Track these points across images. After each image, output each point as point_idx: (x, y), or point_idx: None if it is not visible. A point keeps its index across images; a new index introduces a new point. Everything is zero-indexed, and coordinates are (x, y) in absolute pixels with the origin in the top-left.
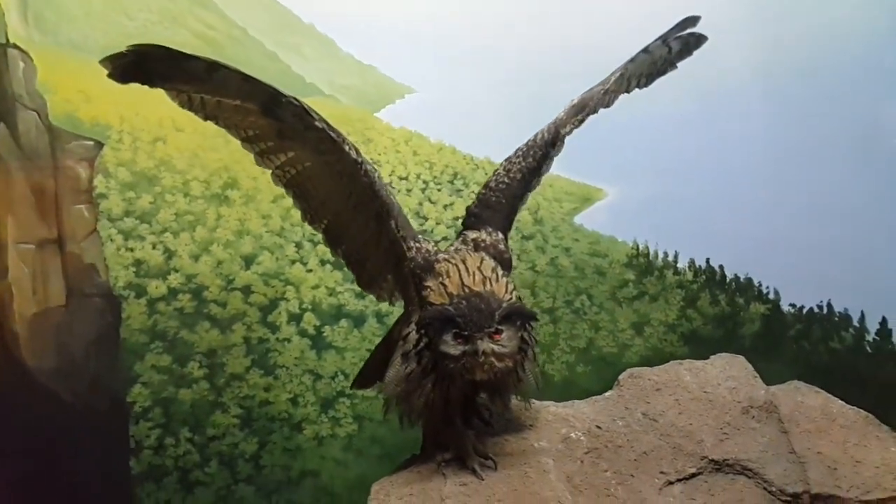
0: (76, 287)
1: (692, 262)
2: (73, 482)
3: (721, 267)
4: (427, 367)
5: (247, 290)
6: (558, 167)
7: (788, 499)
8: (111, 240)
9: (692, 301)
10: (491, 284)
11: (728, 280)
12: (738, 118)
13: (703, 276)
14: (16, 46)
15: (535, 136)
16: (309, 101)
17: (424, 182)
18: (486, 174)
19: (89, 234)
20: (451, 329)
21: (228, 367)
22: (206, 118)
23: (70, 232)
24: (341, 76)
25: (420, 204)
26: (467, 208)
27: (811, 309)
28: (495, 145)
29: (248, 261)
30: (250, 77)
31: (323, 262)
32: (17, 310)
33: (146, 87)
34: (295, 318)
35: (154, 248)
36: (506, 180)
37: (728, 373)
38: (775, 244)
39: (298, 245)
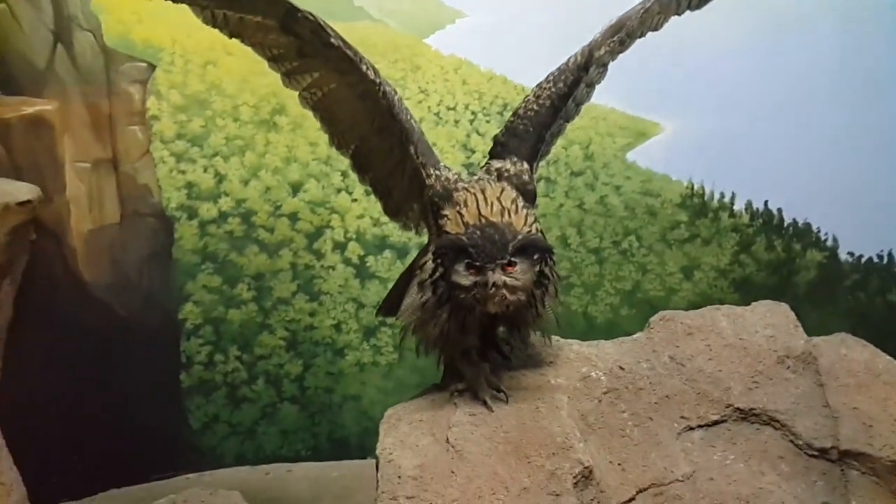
0: (130, 206)
1: (749, 204)
2: (125, 392)
3: (779, 210)
4: (442, 296)
5: (294, 217)
6: (613, 99)
7: (815, 453)
8: (164, 161)
9: (746, 246)
10: (509, 215)
11: (786, 225)
12: (808, 49)
13: (760, 220)
14: None
15: (568, 59)
16: (357, 26)
17: (473, 113)
18: None
19: (143, 156)
20: (464, 259)
21: (275, 291)
22: (230, 35)
23: (124, 152)
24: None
25: (468, 136)
26: (494, 137)
27: (870, 259)
28: None
29: (296, 188)
30: None
31: (368, 192)
32: (74, 226)
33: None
34: (339, 247)
35: (205, 171)
36: (534, 107)
37: (768, 320)
38: (837, 189)
39: (344, 174)
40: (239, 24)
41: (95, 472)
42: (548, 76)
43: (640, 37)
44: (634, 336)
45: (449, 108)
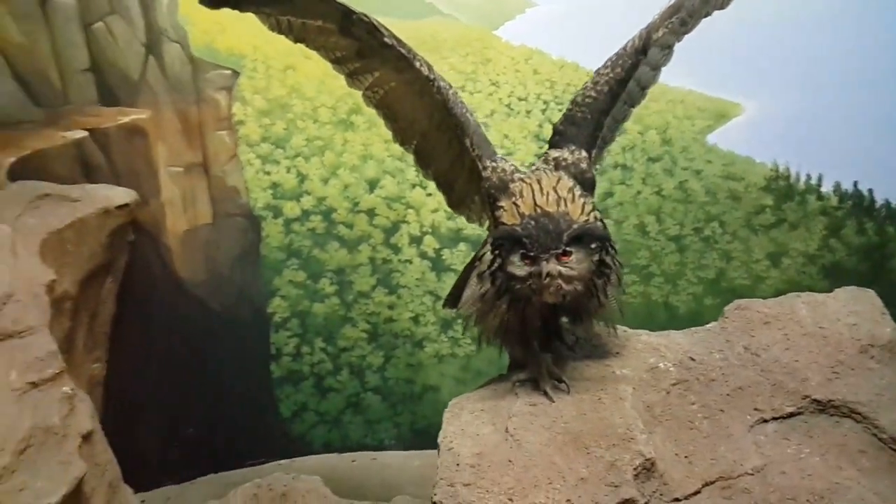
0: (221, 207)
1: (837, 185)
2: (220, 382)
3: (870, 191)
4: (501, 288)
5: (371, 213)
6: (690, 81)
7: None
8: (250, 164)
9: (836, 229)
10: (566, 205)
11: (877, 206)
12: None
13: (850, 202)
14: None
15: (626, 44)
16: (428, 22)
17: (545, 102)
18: None
19: (231, 159)
20: (519, 250)
21: (356, 285)
22: (296, 41)
23: (213, 156)
24: None
25: (539, 126)
26: (554, 125)
27: None
28: None
29: (372, 184)
30: None
31: None
32: (169, 227)
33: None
34: (416, 241)
35: (288, 171)
36: (592, 94)
37: (851, 307)
38: None
39: (418, 169)
40: (302, 29)
41: (194, 458)
42: (606, 62)
43: (705, 16)
44: (708, 326)
45: (520, 99)
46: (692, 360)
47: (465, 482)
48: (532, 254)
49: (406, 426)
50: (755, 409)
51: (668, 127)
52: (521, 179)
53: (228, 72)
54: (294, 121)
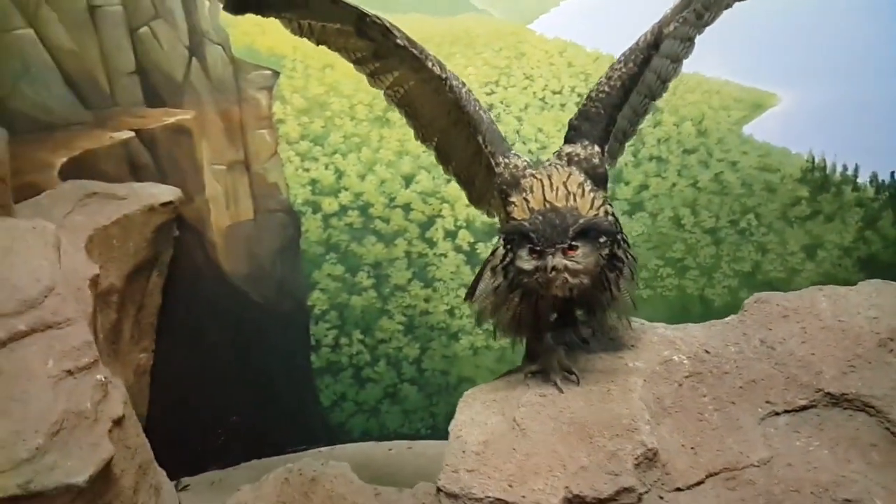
0: (262, 203)
1: (874, 176)
2: (263, 371)
3: None
4: (513, 281)
5: (407, 208)
6: (726, 72)
7: None
8: (290, 161)
9: (872, 221)
10: (574, 200)
11: None
12: None
13: (886, 193)
14: None
15: (639, 38)
16: (461, 18)
17: (579, 95)
18: None
19: (271, 157)
20: (527, 244)
21: (392, 279)
22: (318, 43)
23: (254, 154)
24: None
25: None
26: (569, 121)
27: None
28: None
29: (408, 180)
30: (338, 0)
31: None
32: (213, 222)
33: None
34: (451, 235)
35: (326, 168)
36: (605, 89)
37: (873, 301)
38: None
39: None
40: (322, 32)
41: (238, 444)
42: (619, 57)
43: (726, 7)
44: (727, 319)
45: (554, 93)
46: (707, 352)
47: (469, 468)
48: (538, 248)
49: (441, 416)
50: (767, 402)
51: (704, 118)
52: (533, 175)
53: (269, 72)
54: (332, 118)
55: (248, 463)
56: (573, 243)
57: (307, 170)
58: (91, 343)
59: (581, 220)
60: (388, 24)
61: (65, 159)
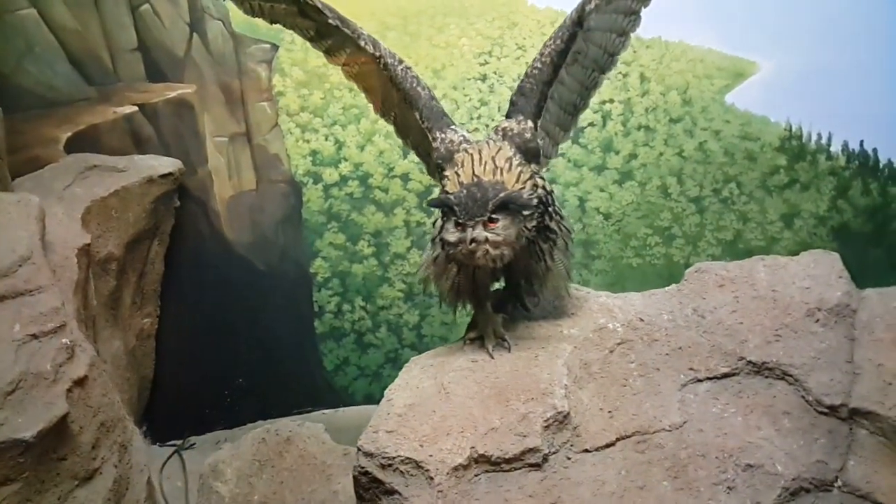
0: (264, 174)
1: (845, 144)
2: (269, 336)
3: (875, 151)
4: (449, 252)
5: (405, 178)
6: (709, 39)
7: (825, 410)
8: (290, 133)
9: (843, 190)
10: (501, 174)
11: (881, 166)
12: None
13: (856, 162)
14: None
15: (566, 17)
16: None
17: None
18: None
19: (272, 128)
20: (452, 217)
21: (392, 247)
22: (271, 22)
23: (256, 126)
24: None
25: None
26: (510, 97)
27: None
28: (663, 22)
29: (406, 150)
30: None
31: None
32: (217, 193)
33: None
34: None
35: (326, 139)
36: (538, 66)
37: (809, 271)
38: None
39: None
40: (272, 11)
41: (244, 405)
42: (551, 34)
43: None
44: (667, 288)
45: None
46: (641, 320)
47: (389, 429)
48: (461, 220)
49: None
50: (690, 369)
51: (689, 87)
52: (466, 150)
53: (268, 46)
54: (331, 90)
55: (253, 424)
56: (493, 216)
57: (307, 141)
58: (59, 309)
59: (501, 194)
60: (320, 4)
61: (70, 134)
